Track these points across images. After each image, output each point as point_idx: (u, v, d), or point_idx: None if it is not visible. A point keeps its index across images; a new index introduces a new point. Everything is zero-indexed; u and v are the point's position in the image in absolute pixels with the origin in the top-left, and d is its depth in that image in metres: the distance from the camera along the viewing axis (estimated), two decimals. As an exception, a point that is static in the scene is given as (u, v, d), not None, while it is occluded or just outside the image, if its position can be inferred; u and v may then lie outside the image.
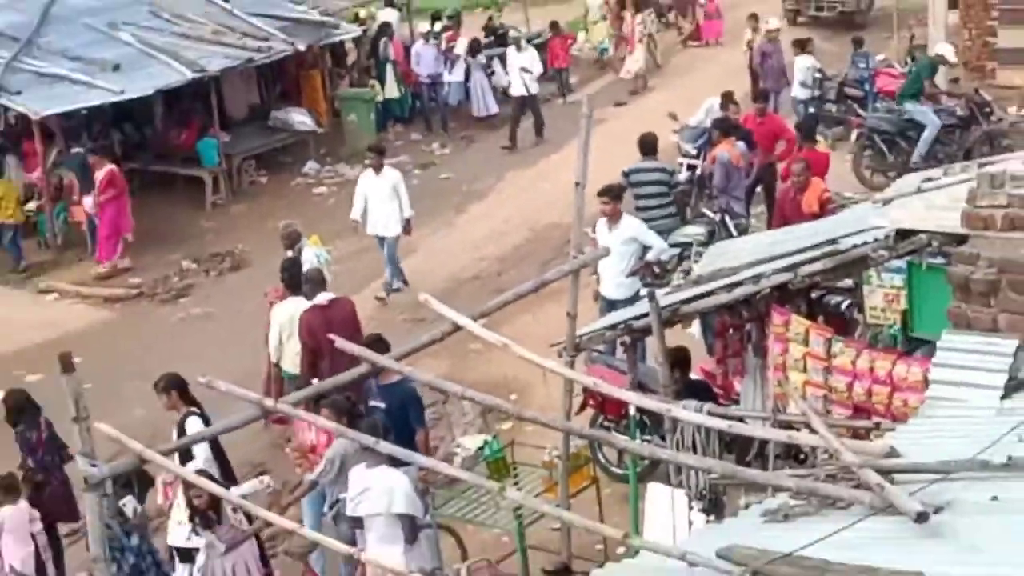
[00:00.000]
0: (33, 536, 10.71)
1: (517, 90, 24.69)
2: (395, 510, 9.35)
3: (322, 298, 13.24)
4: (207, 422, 10.51)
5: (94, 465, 7.21)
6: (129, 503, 10.16)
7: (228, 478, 10.98)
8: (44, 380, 12.33)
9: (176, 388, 11.03)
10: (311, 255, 14.82)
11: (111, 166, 19.44)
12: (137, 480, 10.19)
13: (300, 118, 24.16)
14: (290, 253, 14.50)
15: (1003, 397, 6.58)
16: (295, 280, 13.64)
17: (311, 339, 12.96)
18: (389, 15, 27.94)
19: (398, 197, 16.88)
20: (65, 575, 11.48)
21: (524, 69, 24.63)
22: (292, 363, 13.28)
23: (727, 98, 19.73)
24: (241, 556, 10.16)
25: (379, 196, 16.82)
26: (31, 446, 11.58)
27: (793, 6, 31.26)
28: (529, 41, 27.43)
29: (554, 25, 27.93)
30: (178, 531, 10.42)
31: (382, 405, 10.76)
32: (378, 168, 17.15)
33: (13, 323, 17.59)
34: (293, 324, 13.22)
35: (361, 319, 13.52)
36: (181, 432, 10.62)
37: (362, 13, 27.14)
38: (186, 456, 10.18)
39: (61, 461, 11.39)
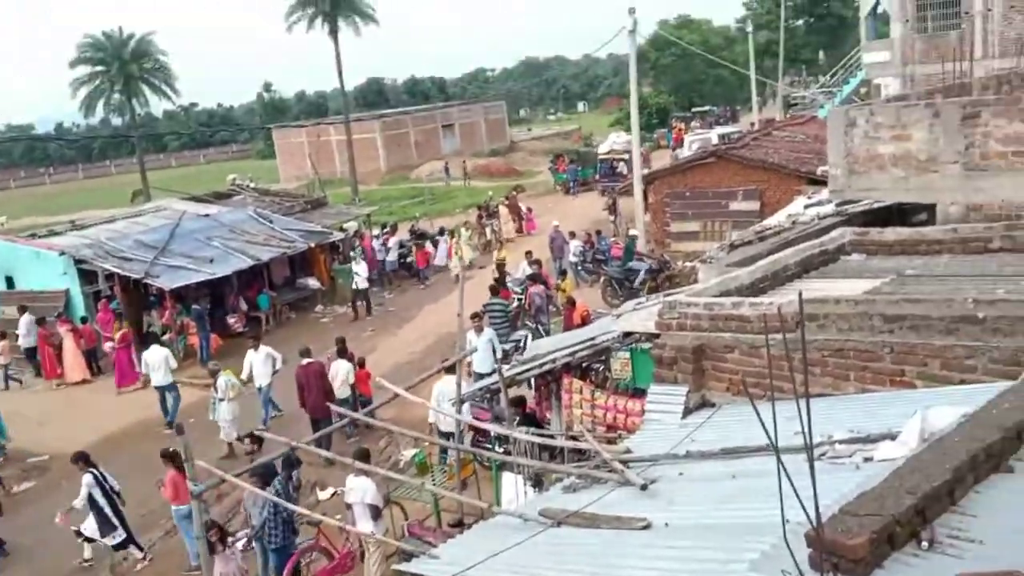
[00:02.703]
0: None
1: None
2: (367, 500, 8.84)
3: (305, 361, 13.38)
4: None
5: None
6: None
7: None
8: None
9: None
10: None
11: (125, 330, 18.06)
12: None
13: (312, 282, 23.63)
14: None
15: (681, 418, 6.61)
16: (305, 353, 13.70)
17: (299, 379, 13.33)
18: (355, 224, 27.60)
19: (272, 360, 14.72)
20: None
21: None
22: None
23: (535, 263, 19.85)
24: None
25: (259, 360, 14.61)
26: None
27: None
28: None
29: (424, 235, 27.05)
30: None
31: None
32: (257, 346, 14.96)
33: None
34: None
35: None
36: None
37: (345, 226, 26.63)
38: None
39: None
